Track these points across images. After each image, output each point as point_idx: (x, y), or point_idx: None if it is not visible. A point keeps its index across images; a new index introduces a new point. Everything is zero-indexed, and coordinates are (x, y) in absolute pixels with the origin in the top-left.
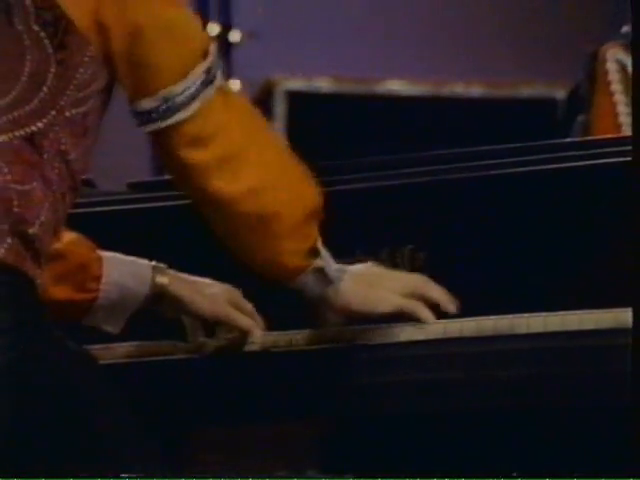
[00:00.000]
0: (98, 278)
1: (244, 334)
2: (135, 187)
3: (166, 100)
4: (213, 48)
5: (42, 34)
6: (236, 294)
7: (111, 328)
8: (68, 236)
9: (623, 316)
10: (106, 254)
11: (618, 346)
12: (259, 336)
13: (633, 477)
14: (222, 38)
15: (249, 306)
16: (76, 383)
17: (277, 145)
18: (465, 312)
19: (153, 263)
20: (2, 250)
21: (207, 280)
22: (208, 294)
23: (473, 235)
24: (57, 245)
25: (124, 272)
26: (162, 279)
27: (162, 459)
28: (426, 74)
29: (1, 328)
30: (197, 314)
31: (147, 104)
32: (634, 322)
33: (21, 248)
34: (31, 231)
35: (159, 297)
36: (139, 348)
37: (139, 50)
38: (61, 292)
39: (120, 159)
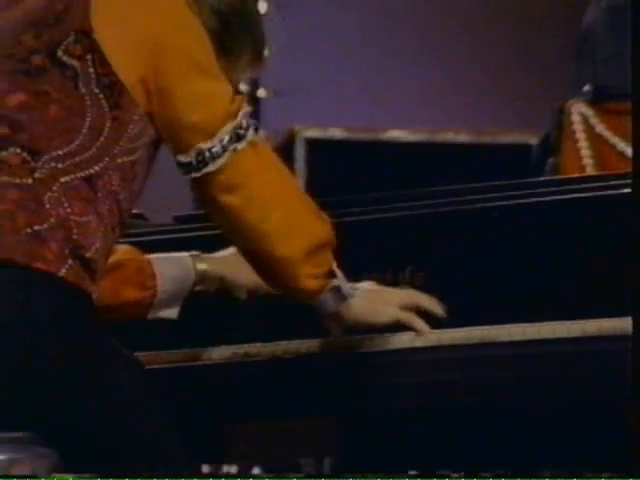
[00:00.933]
0: (153, 276)
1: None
2: (179, 219)
3: (198, 155)
4: (244, 111)
5: (100, 96)
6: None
7: (171, 315)
8: (121, 248)
9: (605, 325)
10: (150, 256)
11: (598, 351)
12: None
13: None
14: (251, 95)
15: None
16: (128, 380)
17: (295, 187)
18: (456, 323)
19: (191, 253)
20: (64, 270)
21: (231, 252)
22: (240, 267)
23: (464, 257)
24: (115, 257)
25: (171, 267)
26: (202, 265)
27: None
28: (422, 124)
29: (63, 334)
30: (236, 284)
31: (183, 158)
32: (634, 330)
33: (79, 268)
34: (87, 255)
35: (202, 280)
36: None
37: (175, 114)
38: (128, 293)
39: (167, 195)
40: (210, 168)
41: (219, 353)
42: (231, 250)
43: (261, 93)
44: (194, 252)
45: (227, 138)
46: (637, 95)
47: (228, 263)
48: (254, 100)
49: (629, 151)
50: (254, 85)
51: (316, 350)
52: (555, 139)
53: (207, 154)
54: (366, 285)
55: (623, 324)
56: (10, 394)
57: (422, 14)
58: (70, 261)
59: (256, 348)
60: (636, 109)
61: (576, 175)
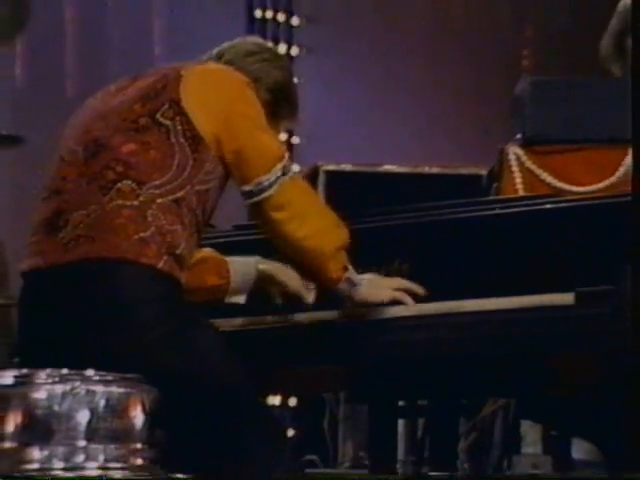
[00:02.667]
0: (228, 270)
1: (301, 296)
2: (238, 227)
3: (257, 185)
4: (287, 154)
5: (185, 144)
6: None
7: (240, 300)
8: (206, 249)
9: (546, 299)
10: (226, 257)
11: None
12: (310, 298)
13: None
14: (287, 141)
15: (306, 289)
16: (209, 337)
17: (322, 205)
18: (432, 299)
19: (255, 257)
20: (161, 263)
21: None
22: (287, 272)
23: (438, 253)
24: (202, 254)
25: (240, 265)
26: (262, 266)
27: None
28: (406, 161)
29: (162, 306)
30: (283, 284)
31: (247, 187)
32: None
33: (172, 262)
34: (177, 252)
35: (262, 277)
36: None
37: (241, 157)
38: (210, 280)
39: (230, 210)
40: (266, 194)
41: (269, 320)
42: (288, 267)
43: (295, 140)
44: (257, 257)
45: (279, 173)
46: (636, 98)
47: (279, 268)
48: (289, 145)
49: (549, 179)
50: (290, 134)
51: (335, 319)
52: (497, 171)
53: (264, 184)
54: (368, 275)
55: (559, 298)
56: (129, 345)
57: (410, 78)
58: (165, 257)
59: (293, 317)
60: (636, 112)
61: (512, 196)
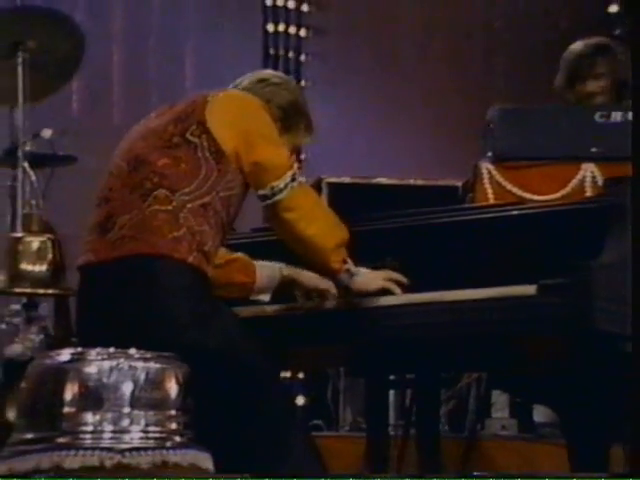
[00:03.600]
0: (254, 271)
1: (326, 294)
2: (255, 230)
3: (271, 189)
4: (295, 165)
5: (210, 158)
6: (319, 277)
7: (265, 298)
8: (237, 253)
9: (510, 290)
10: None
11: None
12: (333, 295)
13: None
14: (297, 157)
15: (325, 281)
16: (231, 322)
17: (325, 207)
18: (417, 290)
19: (279, 264)
20: (191, 258)
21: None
22: (306, 275)
23: (422, 251)
24: (233, 255)
25: (266, 269)
26: (286, 272)
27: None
28: (396, 174)
29: (192, 294)
30: (304, 286)
31: (262, 192)
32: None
33: (200, 257)
34: (205, 249)
35: (284, 281)
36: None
37: (257, 167)
38: (238, 278)
39: (248, 215)
40: (278, 197)
41: (282, 307)
42: (309, 271)
43: (302, 156)
44: (282, 264)
45: (288, 180)
46: (637, 98)
47: (299, 273)
48: (299, 160)
49: (514, 190)
50: (298, 151)
51: (336, 307)
52: (472, 183)
53: (277, 189)
54: (363, 269)
55: (523, 290)
56: (164, 327)
57: (401, 105)
58: (195, 253)
59: (301, 304)
60: (636, 110)
61: (484, 204)
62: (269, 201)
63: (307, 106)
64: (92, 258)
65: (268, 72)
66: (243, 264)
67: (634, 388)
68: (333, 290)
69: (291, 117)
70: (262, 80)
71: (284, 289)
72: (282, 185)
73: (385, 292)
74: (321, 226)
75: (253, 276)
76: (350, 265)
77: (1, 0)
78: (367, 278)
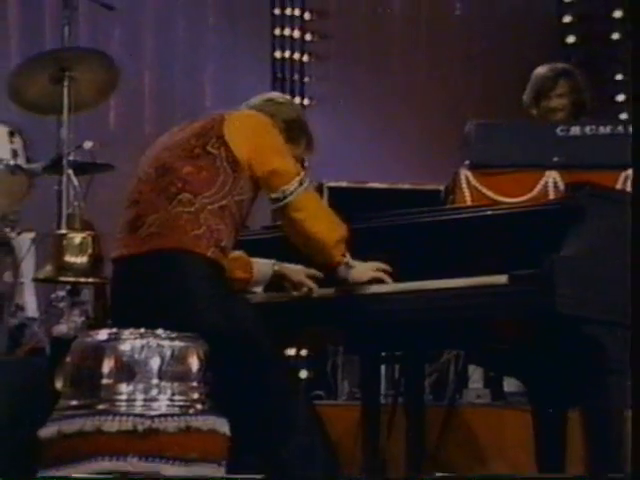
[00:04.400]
0: (252, 268)
1: (309, 288)
2: (266, 228)
3: (282, 193)
4: (302, 172)
5: (227, 167)
6: (306, 270)
7: (258, 290)
8: (236, 252)
9: (484, 280)
10: (252, 259)
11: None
12: (315, 289)
13: None
14: (301, 164)
15: (312, 272)
16: (246, 306)
17: (328, 209)
18: (403, 279)
19: (272, 261)
20: (209, 252)
21: (294, 265)
22: (294, 270)
23: (408, 246)
24: (234, 255)
25: (260, 266)
26: (276, 267)
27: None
28: (386, 179)
29: (211, 283)
30: (291, 279)
31: (274, 195)
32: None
33: (218, 252)
34: (221, 245)
35: (276, 275)
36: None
37: (269, 175)
38: (239, 274)
39: (259, 215)
40: (288, 200)
41: (289, 294)
42: (298, 265)
43: (306, 164)
44: (274, 260)
45: (296, 185)
46: (637, 97)
47: (287, 267)
48: (303, 167)
49: (488, 193)
50: (302, 160)
51: (335, 294)
52: (452, 187)
53: (287, 193)
54: (357, 262)
55: (496, 279)
56: (187, 310)
57: (392, 118)
58: (212, 248)
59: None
60: (636, 109)
61: (462, 205)
62: (280, 203)
63: (307, 124)
64: (124, 252)
65: (275, 94)
66: (243, 262)
67: (634, 388)
68: (312, 285)
69: (293, 131)
70: (269, 100)
71: (275, 281)
72: (291, 189)
73: (377, 281)
74: (324, 224)
75: (251, 272)
76: (348, 258)
77: (55, 41)
78: (362, 270)
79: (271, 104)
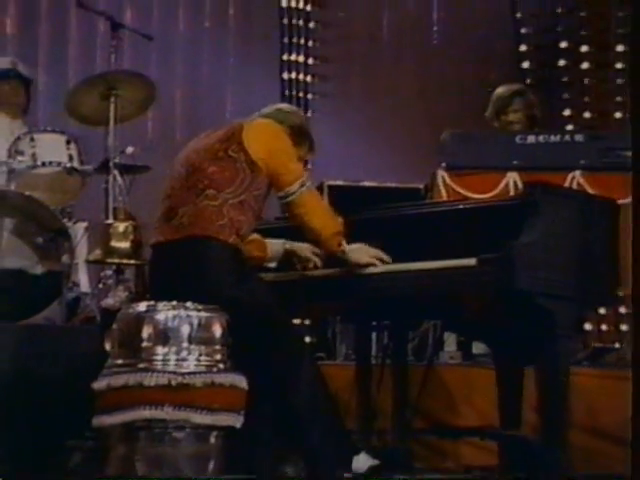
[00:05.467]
0: (265, 247)
1: (315, 262)
2: (278, 219)
3: (287, 192)
4: (305, 173)
5: (245, 167)
6: (312, 248)
7: (272, 266)
8: (253, 235)
9: (455, 262)
10: (266, 240)
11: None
12: (319, 264)
13: None
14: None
15: (316, 249)
16: (261, 284)
17: (326, 205)
18: (392, 262)
19: (283, 240)
20: (231, 239)
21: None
22: (302, 247)
23: (396, 235)
24: (251, 237)
25: (274, 245)
26: (287, 246)
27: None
28: (377, 179)
29: (232, 265)
30: (300, 255)
31: (281, 193)
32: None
33: (238, 239)
34: (241, 233)
35: (287, 252)
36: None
37: (278, 176)
38: (258, 253)
39: (270, 209)
40: (291, 198)
41: (297, 274)
42: (305, 244)
43: (309, 166)
44: (285, 240)
45: (298, 186)
46: (636, 97)
47: (297, 245)
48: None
49: (461, 190)
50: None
51: (334, 273)
52: (430, 186)
53: (290, 192)
54: (354, 245)
55: (467, 262)
56: (212, 287)
57: (381, 125)
58: (233, 236)
59: (310, 273)
60: (636, 111)
61: (439, 200)
62: (285, 200)
63: (310, 130)
64: (160, 239)
65: (283, 104)
66: (259, 243)
67: (635, 388)
68: (317, 260)
69: (297, 136)
70: (278, 109)
71: (287, 258)
72: (294, 189)
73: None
74: (321, 220)
75: (265, 251)
76: (344, 246)
77: (104, 65)
78: (356, 254)
79: (280, 112)
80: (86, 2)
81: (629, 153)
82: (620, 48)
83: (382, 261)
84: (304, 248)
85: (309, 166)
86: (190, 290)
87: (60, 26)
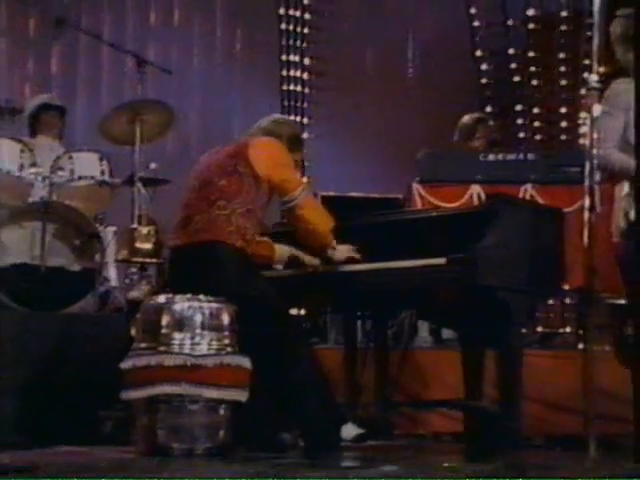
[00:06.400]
0: (273, 249)
1: (313, 265)
2: (276, 225)
3: (290, 197)
4: (305, 182)
5: (251, 181)
6: (311, 257)
7: (279, 267)
8: (263, 237)
9: (426, 261)
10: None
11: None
12: (317, 265)
13: None
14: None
15: (315, 261)
16: (265, 281)
17: (323, 209)
18: (373, 261)
19: (289, 247)
20: (238, 243)
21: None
22: (303, 254)
23: (378, 238)
24: (261, 239)
25: (281, 249)
26: (291, 251)
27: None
28: (363, 190)
29: (238, 267)
30: (303, 262)
31: (285, 199)
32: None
33: (244, 243)
34: (247, 238)
35: (291, 257)
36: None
37: (281, 185)
38: (265, 252)
39: (272, 215)
40: (294, 202)
41: (292, 271)
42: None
43: (305, 179)
44: (291, 247)
45: (299, 191)
46: (638, 100)
47: (299, 253)
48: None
49: (433, 200)
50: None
51: (323, 270)
52: (407, 196)
53: (293, 197)
54: (342, 246)
55: (438, 261)
56: (222, 283)
57: (366, 144)
58: (240, 240)
59: (303, 270)
60: (637, 114)
61: (414, 209)
62: (289, 204)
63: (302, 137)
64: (178, 242)
65: (277, 115)
66: (266, 244)
67: (635, 388)
68: (316, 262)
69: (292, 143)
70: (274, 120)
71: (290, 262)
72: (296, 195)
73: (353, 261)
74: (319, 219)
75: (273, 252)
76: (334, 244)
77: (131, 94)
78: (343, 253)
79: (275, 124)
80: (116, 43)
81: (573, 169)
82: (563, 82)
83: (364, 259)
84: (305, 256)
85: (304, 179)
86: (203, 285)
87: (94, 63)
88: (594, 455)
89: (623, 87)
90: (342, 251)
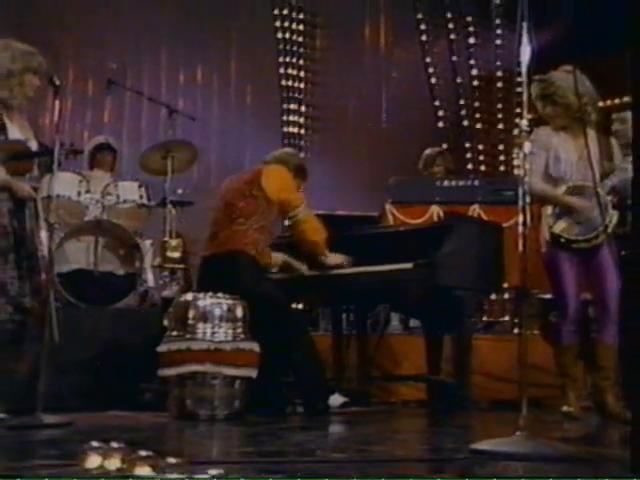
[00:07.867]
0: (271, 256)
1: (300, 270)
2: (279, 237)
3: (292, 215)
4: (304, 203)
5: (264, 203)
6: (299, 263)
7: (275, 269)
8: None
9: (397, 266)
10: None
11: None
12: (305, 270)
13: None
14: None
15: (302, 267)
16: (270, 283)
17: (319, 223)
18: (357, 266)
19: (283, 254)
20: (253, 252)
21: (293, 257)
22: (293, 261)
23: (360, 248)
24: (266, 249)
25: (276, 256)
26: (284, 257)
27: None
28: (346, 209)
29: (252, 272)
30: (292, 266)
31: (290, 215)
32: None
33: (257, 253)
34: (259, 249)
35: (284, 264)
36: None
37: (286, 205)
38: (268, 259)
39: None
40: (298, 217)
41: (290, 275)
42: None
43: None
44: (284, 254)
45: (300, 210)
46: (637, 97)
47: (291, 259)
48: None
49: (403, 218)
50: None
51: (316, 274)
52: (381, 214)
53: (297, 213)
54: (332, 254)
55: (406, 265)
56: (239, 284)
57: (349, 168)
58: (254, 250)
59: (308, 272)
60: (636, 110)
61: (387, 225)
62: (293, 220)
63: (306, 167)
64: (207, 253)
65: (288, 149)
66: (268, 253)
67: (634, 388)
68: (302, 267)
69: (297, 172)
70: (285, 152)
71: (283, 266)
72: (299, 212)
73: (341, 267)
74: (317, 231)
75: (270, 258)
76: (327, 252)
77: (163, 136)
78: (332, 259)
79: (286, 155)
80: (153, 97)
81: (509, 193)
82: (501, 126)
83: (348, 265)
84: (297, 263)
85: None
86: (225, 285)
87: (136, 113)
88: (526, 414)
89: (542, 133)
90: (332, 258)
